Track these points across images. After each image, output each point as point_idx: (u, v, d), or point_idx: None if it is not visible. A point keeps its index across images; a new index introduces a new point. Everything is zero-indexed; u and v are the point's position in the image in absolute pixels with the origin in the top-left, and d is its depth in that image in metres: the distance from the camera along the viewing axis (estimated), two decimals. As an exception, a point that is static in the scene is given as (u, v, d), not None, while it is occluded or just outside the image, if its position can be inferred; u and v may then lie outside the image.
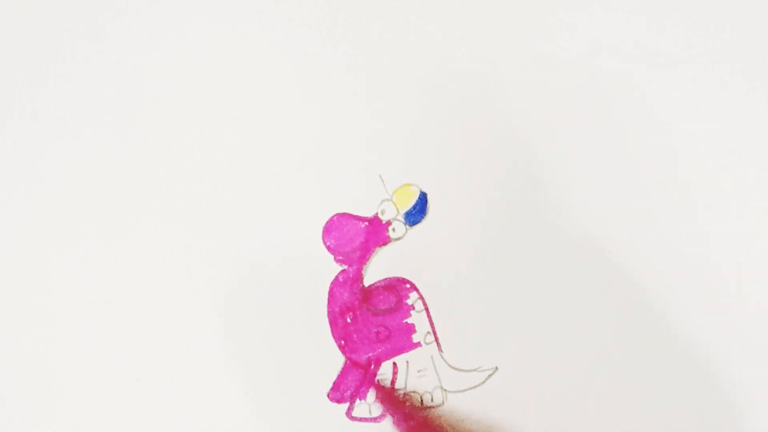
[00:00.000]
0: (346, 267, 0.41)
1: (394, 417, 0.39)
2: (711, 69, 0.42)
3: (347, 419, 0.40)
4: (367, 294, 0.41)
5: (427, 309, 0.41)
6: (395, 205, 0.41)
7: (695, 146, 0.41)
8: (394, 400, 0.40)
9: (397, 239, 0.41)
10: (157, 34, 0.43)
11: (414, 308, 0.41)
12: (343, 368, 0.41)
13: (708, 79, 0.42)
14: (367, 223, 0.41)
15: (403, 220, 0.41)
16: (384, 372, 0.41)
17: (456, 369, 0.41)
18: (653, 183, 0.41)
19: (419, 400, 0.40)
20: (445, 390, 0.41)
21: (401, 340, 0.41)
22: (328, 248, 0.41)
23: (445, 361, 0.41)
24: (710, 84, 0.42)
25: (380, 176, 0.41)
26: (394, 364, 0.41)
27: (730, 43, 0.42)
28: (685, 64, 0.42)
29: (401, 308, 0.41)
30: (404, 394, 0.40)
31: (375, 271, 0.41)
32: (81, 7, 0.43)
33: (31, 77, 0.43)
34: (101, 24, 0.43)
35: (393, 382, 0.41)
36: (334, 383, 0.41)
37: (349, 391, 0.41)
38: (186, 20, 0.43)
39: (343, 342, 0.41)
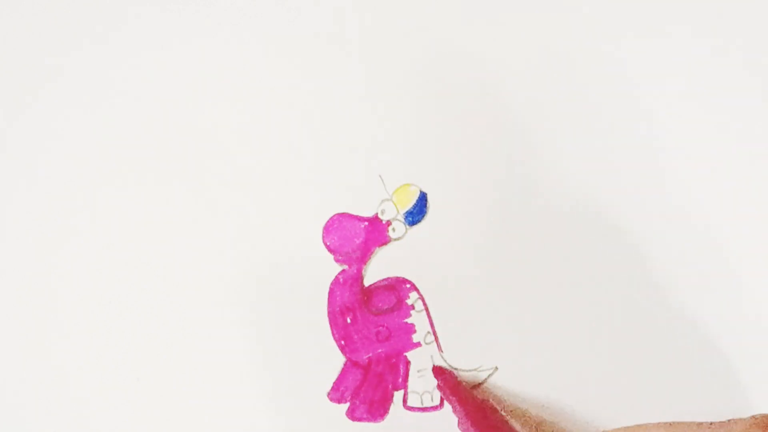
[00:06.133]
0: (346, 267, 0.41)
1: (452, 400, 0.39)
2: (714, 67, 0.42)
3: (347, 419, 0.40)
4: (367, 294, 0.41)
5: (427, 309, 0.41)
6: (395, 205, 0.41)
7: (698, 146, 0.41)
8: (453, 384, 0.40)
9: (397, 239, 0.41)
10: (160, 36, 0.43)
11: (414, 308, 0.41)
12: (343, 368, 0.41)
13: (710, 76, 0.42)
14: (367, 223, 0.41)
15: (403, 220, 0.41)
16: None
17: (456, 369, 0.41)
18: (657, 184, 0.41)
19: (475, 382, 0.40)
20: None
21: (401, 340, 0.41)
22: (328, 248, 0.41)
23: (445, 361, 0.41)
24: (712, 82, 0.42)
25: (380, 176, 0.41)
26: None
27: (733, 41, 0.42)
28: (689, 61, 0.42)
29: (401, 308, 0.41)
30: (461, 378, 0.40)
31: (375, 271, 0.41)
32: (93, 8, 0.43)
33: (36, 78, 0.43)
34: (109, 22, 0.43)
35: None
36: (334, 383, 0.41)
37: (349, 391, 0.41)
38: (189, 22, 0.43)
39: (343, 342, 0.41)
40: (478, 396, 0.40)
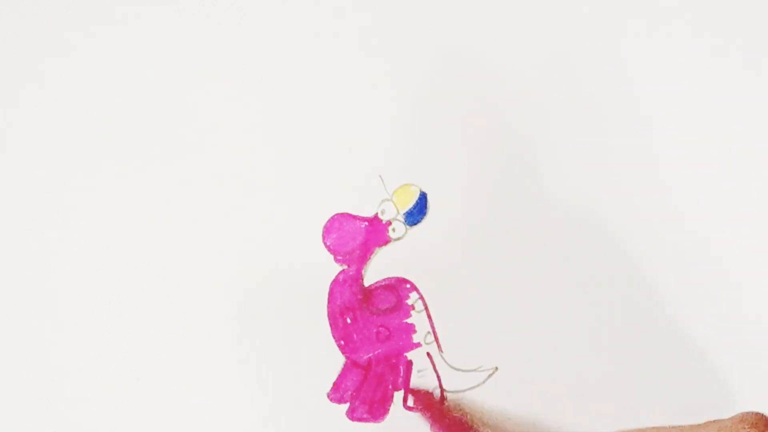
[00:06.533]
0: (346, 267, 0.41)
1: (428, 417, 0.39)
2: (714, 67, 0.42)
3: (347, 419, 0.40)
4: (367, 294, 0.41)
5: (427, 309, 0.41)
6: (395, 205, 0.41)
7: (698, 147, 0.41)
8: (429, 402, 0.40)
9: (397, 239, 0.41)
10: (160, 35, 0.43)
11: (414, 308, 0.41)
12: (343, 368, 0.41)
13: (712, 78, 0.42)
14: (367, 223, 0.41)
15: (403, 220, 0.41)
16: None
17: (456, 369, 0.41)
18: (657, 184, 0.41)
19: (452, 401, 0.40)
20: (445, 390, 0.41)
21: (401, 340, 0.41)
22: (328, 248, 0.41)
23: (445, 361, 0.41)
24: (715, 84, 0.42)
25: (380, 176, 0.41)
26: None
27: (733, 41, 0.42)
28: (689, 61, 0.42)
29: (401, 308, 0.41)
30: (439, 395, 0.40)
31: (375, 271, 0.41)
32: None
33: (35, 77, 0.43)
34: (110, 22, 0.43)
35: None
36: (334, 383, 0.41)
37: (349, 391, 0.41)
38: (189, 22, 0.43)
39: (343, 342, 0.41)
40: (454, 413, 0.40)
